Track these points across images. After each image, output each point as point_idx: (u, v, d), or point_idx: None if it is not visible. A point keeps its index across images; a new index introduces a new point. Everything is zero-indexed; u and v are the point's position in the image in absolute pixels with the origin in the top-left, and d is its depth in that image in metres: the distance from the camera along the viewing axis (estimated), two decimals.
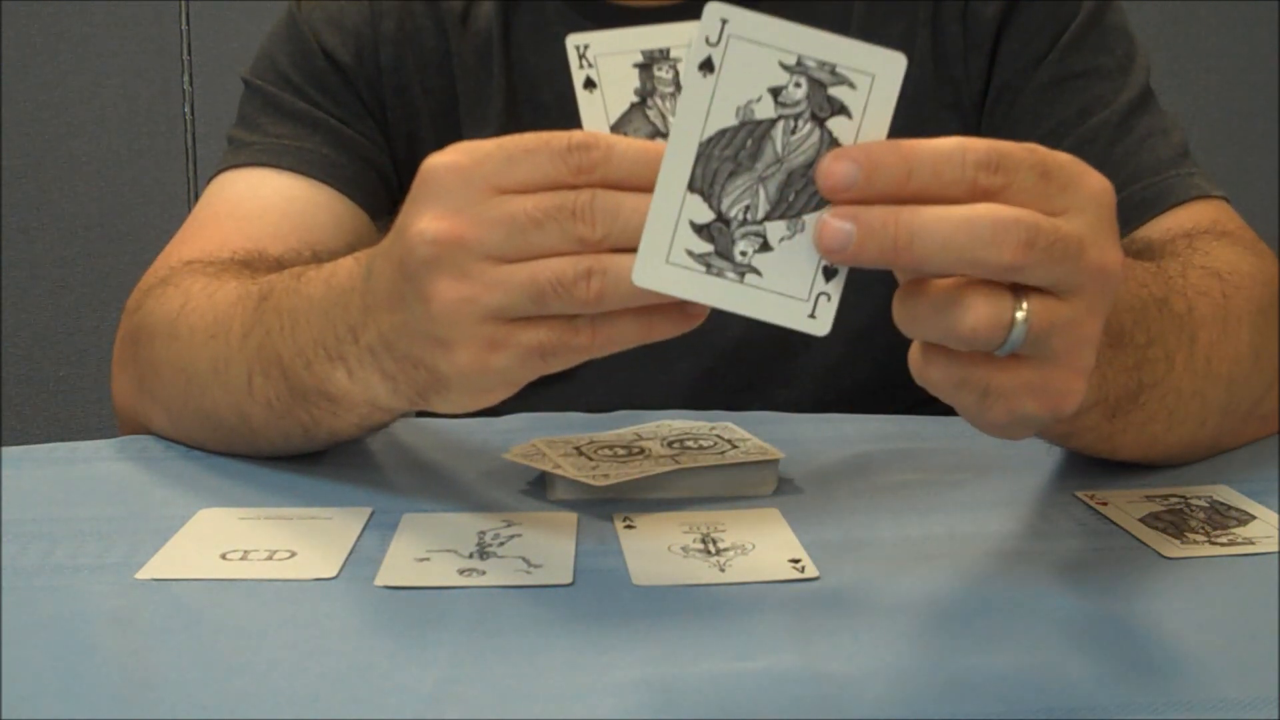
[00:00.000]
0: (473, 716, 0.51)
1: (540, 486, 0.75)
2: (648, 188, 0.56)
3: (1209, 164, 0.94)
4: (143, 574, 0.64)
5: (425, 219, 0.60)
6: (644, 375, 0.95)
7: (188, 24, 2.16)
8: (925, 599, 0.61)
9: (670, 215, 0.55)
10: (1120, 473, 0.75)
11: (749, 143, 0.55)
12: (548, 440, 0.77)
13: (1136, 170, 0.91)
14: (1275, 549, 0.65)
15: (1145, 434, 0.72)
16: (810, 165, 0.55)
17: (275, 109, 0.99)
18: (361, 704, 0.52)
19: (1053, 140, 0.93)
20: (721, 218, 0.55)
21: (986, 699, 0.51)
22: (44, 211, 2.20)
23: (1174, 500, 0.71)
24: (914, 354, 0.58)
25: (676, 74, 0.60)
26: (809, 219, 0.55)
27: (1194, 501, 0.71)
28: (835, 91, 0.54)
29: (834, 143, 0.54)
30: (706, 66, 0.54)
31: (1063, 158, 0.56)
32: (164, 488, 0.76)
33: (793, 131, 0.55)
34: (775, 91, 0.54)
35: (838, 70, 0.54)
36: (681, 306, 0.59)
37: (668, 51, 0.60)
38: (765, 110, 0.55)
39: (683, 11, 0.97)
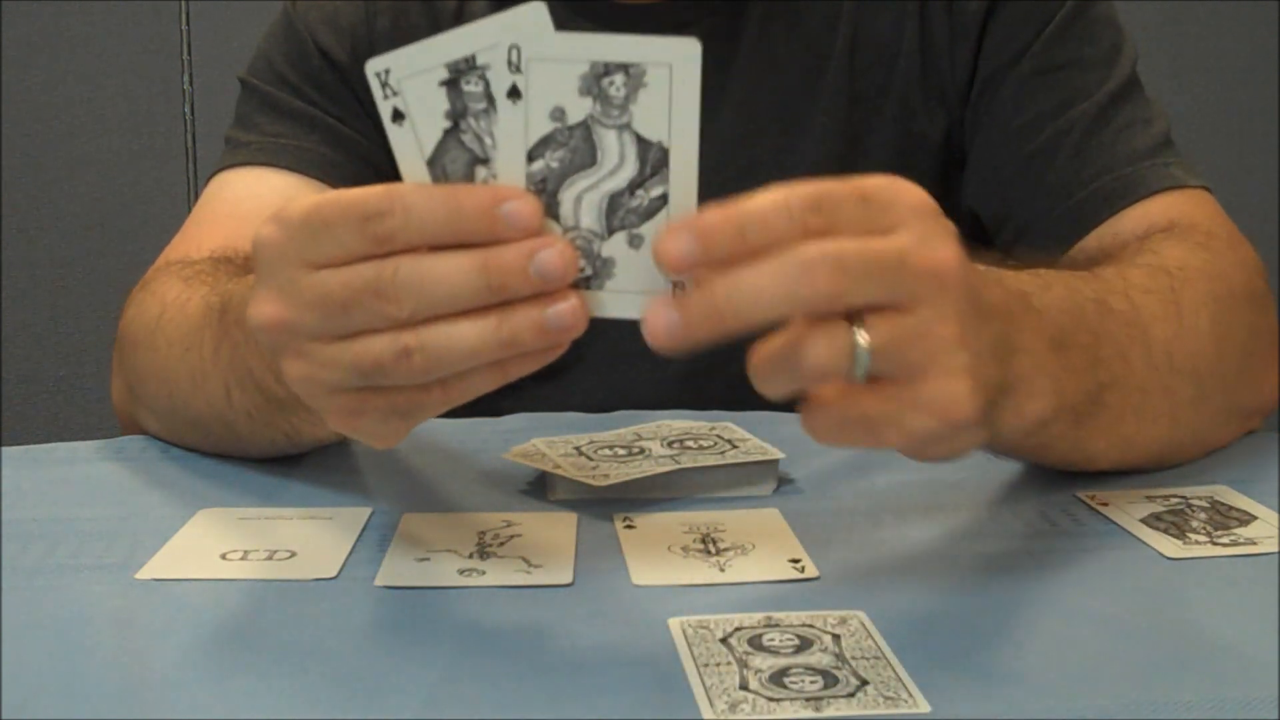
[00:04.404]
0: (473, 716, 0.51)
1: (540, 486, 0.75)
2: (454, 241, 0.55)
3: (1208, 163, 0.93)
4: (143, 574, 0.63)
5: (256, 303, 0.59)
6: (641, 370, 0.94)
7: (188, 24, 2.16)
8: (925, 599, 0.61)
9: None
10: (1121, 472, 0.75)
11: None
12: (548, 440, 0.77)
13: (1110, 161, 0.90)
14: (1276, 549, 0.65)
15: (1117, 436, 0.71)
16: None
17: (272, 108, 0.99)
18: (361, 704, 0.52)
19: (1031, 132, 0.93)
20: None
21: (987, 699, 0.51)
22: (44, 211, 2.20)
23: (1175, 500, 0.71)
24: (802, 419, 0.58)
25: (487, 84, 0.55)
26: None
27: (1195, 502, 0.71)
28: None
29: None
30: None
31: (879, 180, 0.56)
32: (164, 488, 0.76)
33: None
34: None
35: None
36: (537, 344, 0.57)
37: (473, 60, 0.55)
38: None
39: (678, 11, 0.98)
